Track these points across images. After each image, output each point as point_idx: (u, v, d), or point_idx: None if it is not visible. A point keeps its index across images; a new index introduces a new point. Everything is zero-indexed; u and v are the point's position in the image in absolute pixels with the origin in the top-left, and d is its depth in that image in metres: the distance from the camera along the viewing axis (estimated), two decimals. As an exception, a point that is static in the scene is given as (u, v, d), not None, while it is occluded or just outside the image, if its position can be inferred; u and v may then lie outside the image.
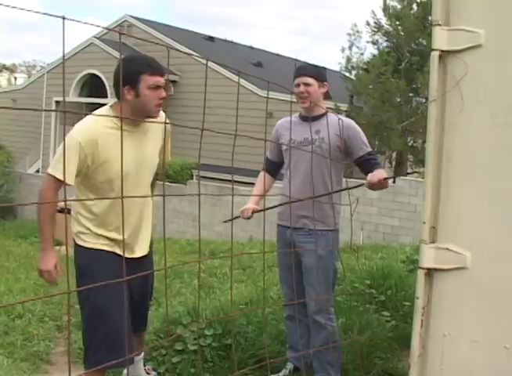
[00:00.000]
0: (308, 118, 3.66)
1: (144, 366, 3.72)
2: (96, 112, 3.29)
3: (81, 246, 3.19)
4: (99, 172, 3.04)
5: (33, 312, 5.88)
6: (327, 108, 3.84)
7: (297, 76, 3.72)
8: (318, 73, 3.73)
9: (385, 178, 3.47)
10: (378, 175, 3.47)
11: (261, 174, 3.99)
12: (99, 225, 3.17)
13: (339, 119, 3.53)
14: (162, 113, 3.22)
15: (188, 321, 4.12)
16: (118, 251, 3.18)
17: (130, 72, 2.90)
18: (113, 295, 2.99)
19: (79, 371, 3.98)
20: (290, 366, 3.98)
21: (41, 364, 4.63)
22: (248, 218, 3.82)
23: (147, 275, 3.29)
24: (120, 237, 3.14)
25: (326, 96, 3.82)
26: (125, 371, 3.65)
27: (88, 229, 3.16)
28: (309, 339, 3.88)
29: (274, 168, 3.98)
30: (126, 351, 2.89)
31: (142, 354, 3.57)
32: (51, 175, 2.98)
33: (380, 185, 3.49)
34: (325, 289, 3.60)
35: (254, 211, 3.80)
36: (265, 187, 3.93)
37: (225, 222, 4.34)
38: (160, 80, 2.99)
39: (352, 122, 3.74)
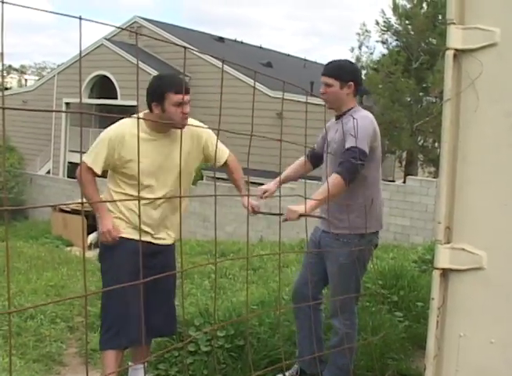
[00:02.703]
0: (339, 118, 3.63)
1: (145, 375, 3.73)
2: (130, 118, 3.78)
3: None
4: (128, 168, 3.42)
5: (45, 313, 5.90)
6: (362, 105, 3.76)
7: (321, 74, 3.59)
8: (341, 72, 3.54)
9: (300, 215, 3.13)
10: (295, 209, 3.16)
11: (301, 158, 3.92)
12: (131, 216, 3.50)
13: (354, 119, 3.34)
14: (195, 122, 3.53)
15: (200, 322, 4.12)
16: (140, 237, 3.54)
17: (157, 91, 3.33)
18: (129, 278, 3.22)
19: (92, 372, 3.99)
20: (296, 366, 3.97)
21: (54, 365, 4.65)
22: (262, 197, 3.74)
23: (167, 264, 3.48)
24: (145, 227, 3.49)
25: (356, 93, 3.66)
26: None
27: (119, 218, 3.51)
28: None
29: (314, 157, 3.91)
30: (137, 334, 3.31)
31: (146, 364, 3.58)
32: (84, 162, 3.44)
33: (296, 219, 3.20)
34: (342, 295, 3.56)
35: (264, 193, 3.72)
36: (298, 170, 3.92)
37: (276, 214, 3.74)
38: (184, 97, 3.27)
39: (360, 119, 3.41)
